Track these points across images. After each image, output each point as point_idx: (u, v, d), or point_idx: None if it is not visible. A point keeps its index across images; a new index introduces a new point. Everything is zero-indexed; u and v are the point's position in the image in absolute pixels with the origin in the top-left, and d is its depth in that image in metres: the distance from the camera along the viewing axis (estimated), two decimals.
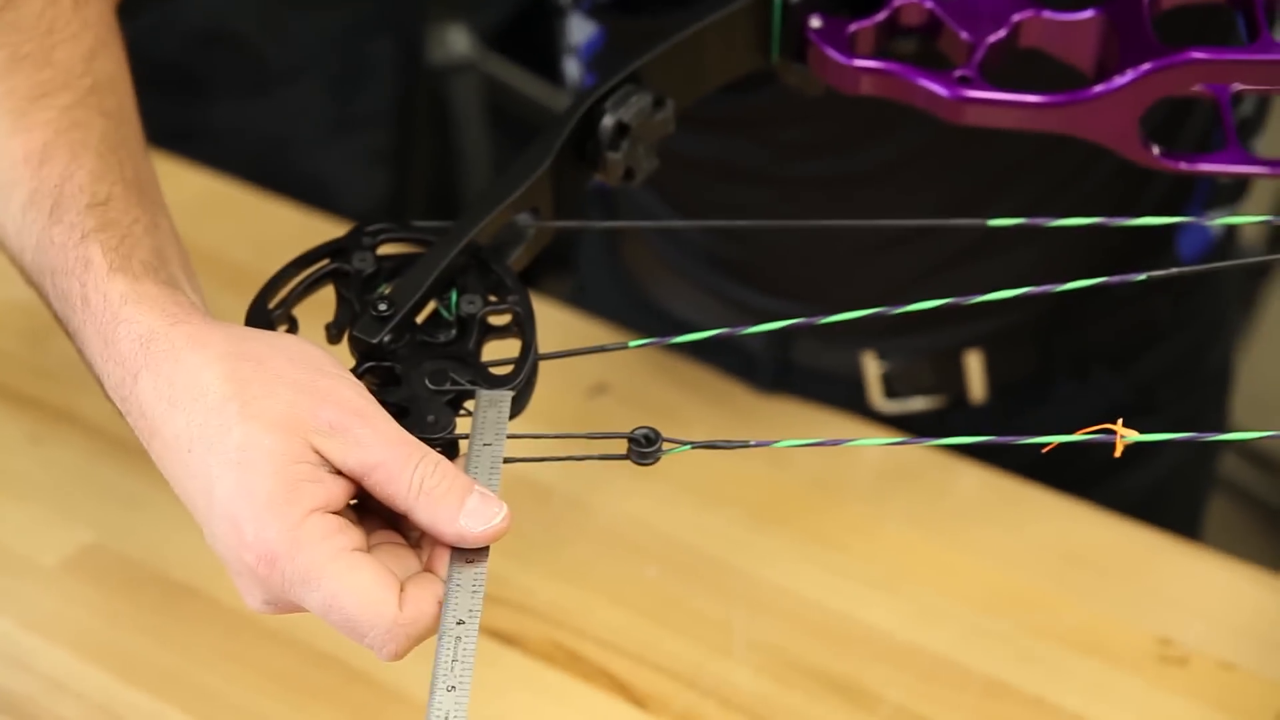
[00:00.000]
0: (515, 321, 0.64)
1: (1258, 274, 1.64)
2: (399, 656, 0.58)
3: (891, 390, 0.99)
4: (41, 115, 0.65)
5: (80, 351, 0.63)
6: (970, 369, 0.97)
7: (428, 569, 0.59)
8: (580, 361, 0.98)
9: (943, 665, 0.84)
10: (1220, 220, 0.64)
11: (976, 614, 0.86)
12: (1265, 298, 1.75)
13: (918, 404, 0.99)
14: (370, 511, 0.59)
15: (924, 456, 0.93)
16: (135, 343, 0.60)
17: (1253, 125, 0.94)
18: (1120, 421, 0.61)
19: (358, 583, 0.56)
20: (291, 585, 0.57)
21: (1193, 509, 1.10)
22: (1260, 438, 0.63)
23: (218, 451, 0.57)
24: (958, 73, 0.68)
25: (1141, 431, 1.01)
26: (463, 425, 0.62)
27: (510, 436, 0.61)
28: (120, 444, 0.93)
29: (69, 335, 0.63)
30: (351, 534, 0.57)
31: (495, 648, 0.85)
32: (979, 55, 0.69)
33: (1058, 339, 0.97)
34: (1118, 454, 0.61)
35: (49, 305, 0.64)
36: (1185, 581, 0.88)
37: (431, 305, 0.64)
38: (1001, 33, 0.69)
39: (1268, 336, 1.85)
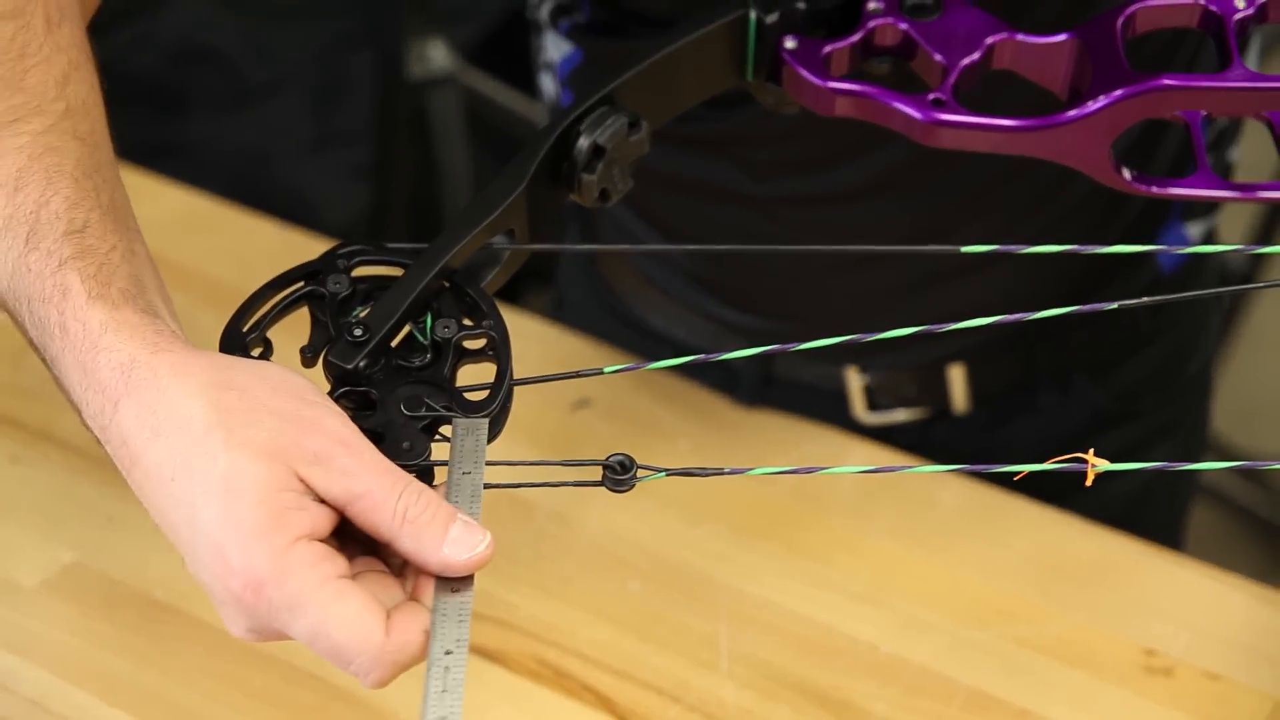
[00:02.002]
0: (490, 345, 0.64)
1: (1237, 281, 1.64)
2: (383, 684, 0.58)
3: (874, 402, 0.99)
4: (14, 141, 0.64)
5: (58, 379, 0.62)
6: (953, 381, 0.97)
7: (413, 598, 0.59)
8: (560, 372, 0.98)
9: (927, 677, 0.84)
10: (1190, 249, 0.65)
11: (961, 626, 0.86)
12: (1245, 305, 1.75)
13: (901, 415, 0.99)
14: (351, 538, 0.59)
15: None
16: (116, 371, 0.59)
17: (1228, 136, 0.94)
18: (1091, 451, 0.61)
19: (345, 610, 0.56)
20: (278, 612, 0.57)
21: (1175, 516, 1.10)
22: (1229, 468, 0.63)
23: (202, 480, 0.57)
24: (931, 96, 0.68)
25: (1124, 437, 1.02)
26: (437, 450, 0.62)
27: (489, 464, 0.61)
28: (100, 463, 0.92)
29: (46, 363, 0.63)
30: (337, 562, 0.58)
31: (478, 664, 0.84)
32: (953, 78, 0.69)
33: (1039, 349, 0.97)
34: (1089, 483, 0.61)
35: (25, 332, 0.63)
36: (1170, 591, 0.88)
37: (406, 328, 0.64)
38: (975, 55, 0.69)
39: (1248, 343, 1.86)
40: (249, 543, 0.56)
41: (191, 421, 0.58)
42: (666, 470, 0.62)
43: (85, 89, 0.67)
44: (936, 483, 0.93)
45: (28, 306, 0.62)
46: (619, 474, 0.62)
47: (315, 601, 0.56)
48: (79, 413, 0.62)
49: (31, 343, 0.64)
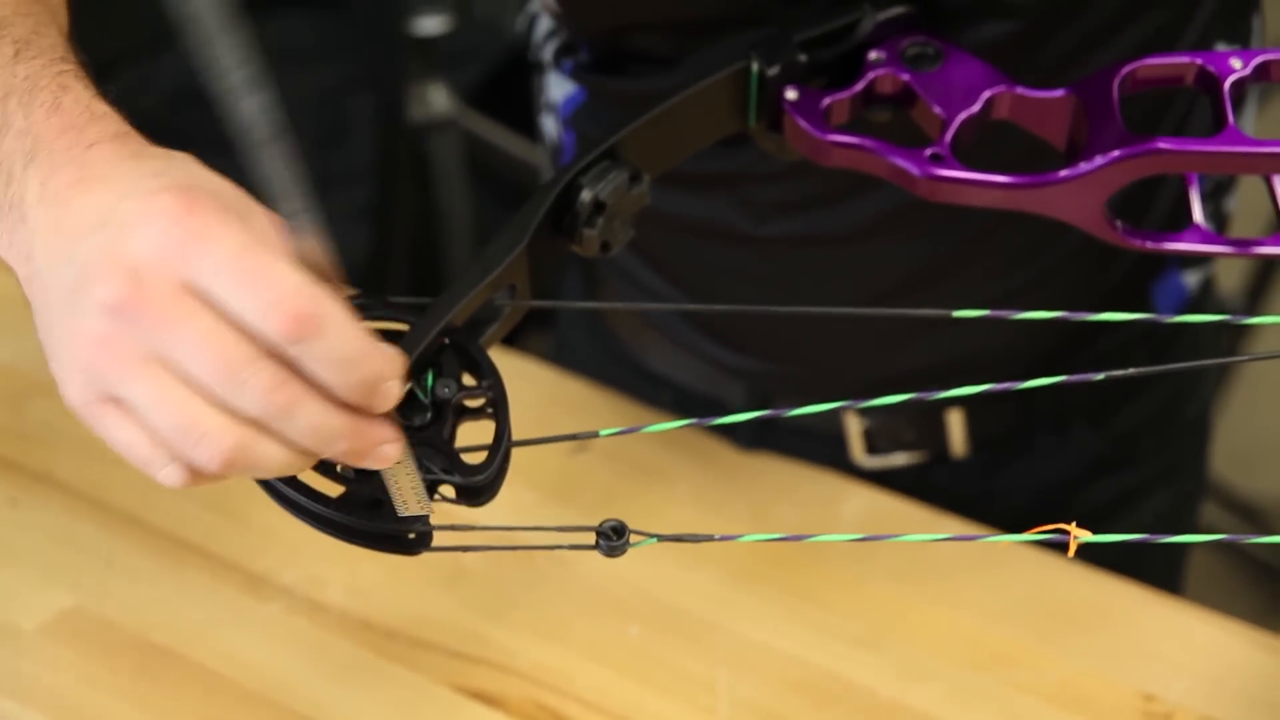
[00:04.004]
0: (489, 404, 0.64)
1: (1235, 326, 1.64)
2: (296, 317, 0.55)
3: (873, 446, 0.99)
4: None
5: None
6: (951, 425, 0.97)
7: None
8: (563, 417, 0.98)
9: None
10: (1176, 319, 0.65)
11: (960, 670, 0.86)
12: (1242, 350, 1.76)
13: (899, 460, 0.99)
14: None
15: (906, 513, 0.93)
16: (110, 131, 0.60)
17: (1225, 186, 0.95)
18: (1074, 522, 0.62)
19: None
20: (206, 226, 0.55)
21: (1175, 559, 1.10)
22: (1217, 540, 0.63)
23: (192, 167, 0.59)
24: (929, 151, 0.69)
25: (1123, 482, 1.03)
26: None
27: (481, 529, 0.63)
28: (99, 506, 0.93)
29: None
30: None
31: (477, 708, 0.84)
32: (950, 133, 0.69)
33: (1037, 393, 0.97)
34: (1071, 554, 0.62)
35: None
36: (1169, 636, 0.88)
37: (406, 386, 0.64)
38: (974, 108, 0.70)
39: (1247, 386, 1.86)
40: (216, 186, 0.57)
41: (181, 154, 0.60)
42: (659, 536, 0.63)
43: None
44: (935, 527, 0.93)
45: (2, 105, 0.62)
46: (612, 540, 0.62)
47: (248, 229, 0.56)
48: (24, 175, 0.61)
49: None
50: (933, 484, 0.99)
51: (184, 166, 0.59)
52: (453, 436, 0.63)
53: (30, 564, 0.90)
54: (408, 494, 0.61)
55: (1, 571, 0.90)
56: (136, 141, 0.60)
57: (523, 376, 1.00)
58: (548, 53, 0.94)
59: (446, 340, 0.64)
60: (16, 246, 0.60)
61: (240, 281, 0.54)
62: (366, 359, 0.56)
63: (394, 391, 0.57)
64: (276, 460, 0.56)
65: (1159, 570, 1.00)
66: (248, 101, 0.51)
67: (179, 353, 0.55)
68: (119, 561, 0.90)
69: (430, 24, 1.67)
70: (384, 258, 1.75)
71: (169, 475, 0.58)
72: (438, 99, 1.69)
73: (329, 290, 0.55)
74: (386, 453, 0.58)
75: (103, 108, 0.62)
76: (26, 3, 0.66)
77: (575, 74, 0.91)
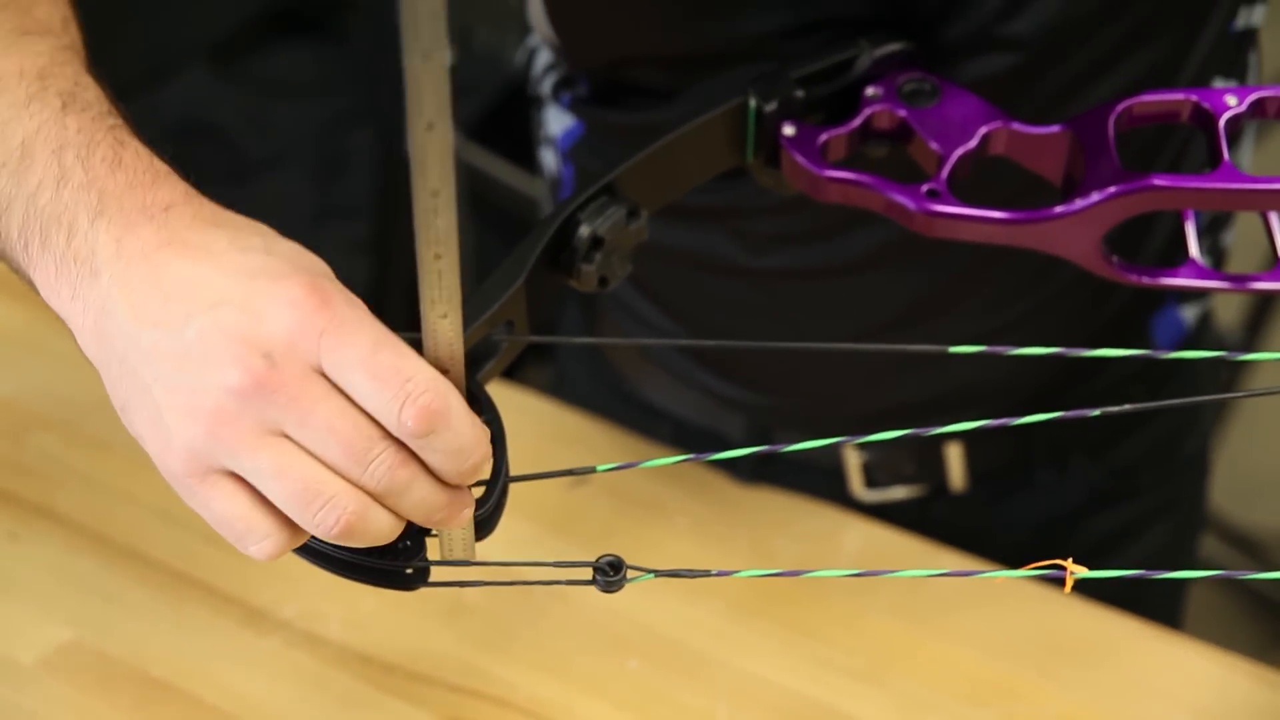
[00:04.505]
0: (488, 439, 0.64)
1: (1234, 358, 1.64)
2: (428, 413, 0.57)
3: (872, 480, 0.99)
4: (34, 47, 0.66)
5: (54, 216, 0.61)
6: (950, 459, 0.97)
7: None
8: (561, 450, 0.98)
9: None
10: (1170, 355, 0.66)
11: (960, 705, 0.86)
12: (1241, 383, 1.76)
13: (898, 493, 0.99)
14: None
15: (906, 546, 0.93)
16: (180, 192, 0.61)
17: (1223, 220, 0.95)
18: (1071, 558, 0.62)
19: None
20: (342, 320, 0.57)
21: (1175, 594, 1.10)
22: (1211, 576, 0.64)
23: (280, 240, 0.60)
24: (925, 187, 0.69)
25: (1122, 515, 1.03)
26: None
27: (478, 564, 0.63)
28: (99, 540, 0.93)
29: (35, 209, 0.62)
30: None
31: None
32: (947, 169, 0.70)
33: (1037, 427, 0.98)
34: (1067, 590, 0.62)
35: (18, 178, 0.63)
36: (1169, 670, 0.88)
37: None
38: (971, 144, 0.70)
39: (1245, 420, 1.86)
40: (323, 269, 0.59)
41: (258, 225, 0.61)
42: (655, 571, 0.64)
43: (81, 39, 0.69)
44: (935, 560, 0.93)
45: (57, 155, 0.62)
46: (609, 575, 0.63)
47: (379, 324, 0.58)
48: (91, 229, 0.61)
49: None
50: (933, 518, 0.99)
51: (280, 242, 0.60)
52: None
53: (30, 598, 0.90)
54: (457, 543, 0.63)
55: (1, 605, 0.90)
56: (209, 204, 0.61)
57: (521, 410, 1.01)
58: (546, 86, 0.94)
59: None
60: (83, 300, 0.60)
61: (376, 375, 0.57)
62: (476, 448, 0.59)
63: (483, 470, 0.60)
64: (385, 528, 0.59)
65: (1159, 604, 1.00)
66: (444, 217, 0.54)
67: (307, 430, 0.57)
68: (119, 595, 0.90)
69: None
70: (382, 291, 1.75)
71: (264, 548, 0.59)
72: None
73: (451, 384, 0.58)
74: (466, 517, 0.61)
75: (163, 166, 0.62)
76: (62, 50, 0.67)
77: (574, 107, 0.92)
